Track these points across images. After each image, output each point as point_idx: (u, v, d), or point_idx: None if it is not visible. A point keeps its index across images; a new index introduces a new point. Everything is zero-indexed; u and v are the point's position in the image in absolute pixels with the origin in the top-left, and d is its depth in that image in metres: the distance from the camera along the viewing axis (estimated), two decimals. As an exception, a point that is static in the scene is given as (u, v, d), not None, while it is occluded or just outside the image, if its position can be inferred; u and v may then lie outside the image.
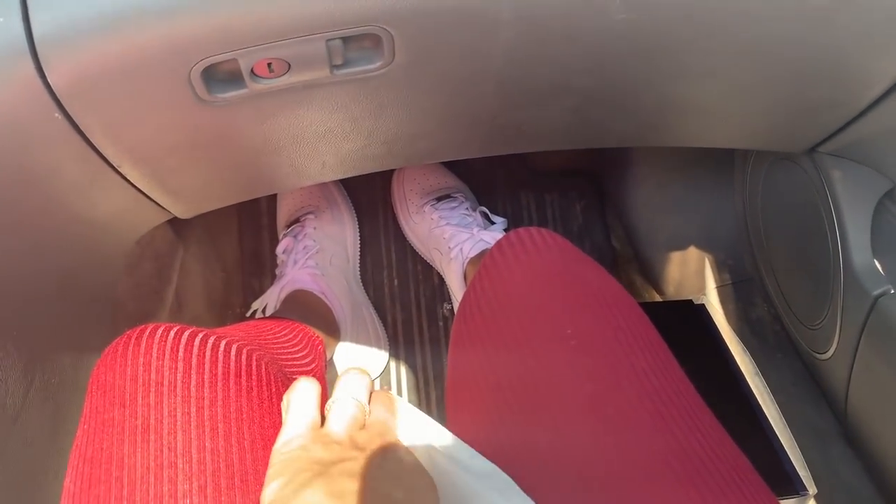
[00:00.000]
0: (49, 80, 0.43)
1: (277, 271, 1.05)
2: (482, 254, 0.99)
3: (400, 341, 1.12)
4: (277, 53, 0.47)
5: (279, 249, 1.05)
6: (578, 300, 0.50)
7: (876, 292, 0.65)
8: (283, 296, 0.97)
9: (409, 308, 1.14)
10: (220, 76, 0.49)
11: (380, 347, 1.09)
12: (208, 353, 0.48)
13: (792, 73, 0.56)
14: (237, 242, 1.15)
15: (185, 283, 0.95)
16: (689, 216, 1.01)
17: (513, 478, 0.45)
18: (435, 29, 0.48)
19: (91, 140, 0.49)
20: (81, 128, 0.47)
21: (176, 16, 0.43)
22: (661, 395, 0.45)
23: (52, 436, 0.59)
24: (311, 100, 0.53)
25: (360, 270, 1.14)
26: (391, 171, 1.16)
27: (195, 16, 0.43)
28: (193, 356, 0.47)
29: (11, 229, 0.52)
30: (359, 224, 1.15)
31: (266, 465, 0.45)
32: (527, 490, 0.45)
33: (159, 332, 0.48)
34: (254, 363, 0.51)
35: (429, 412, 1.06)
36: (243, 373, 0.49)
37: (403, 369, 1.11)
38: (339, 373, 1.03)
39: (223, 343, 0.50)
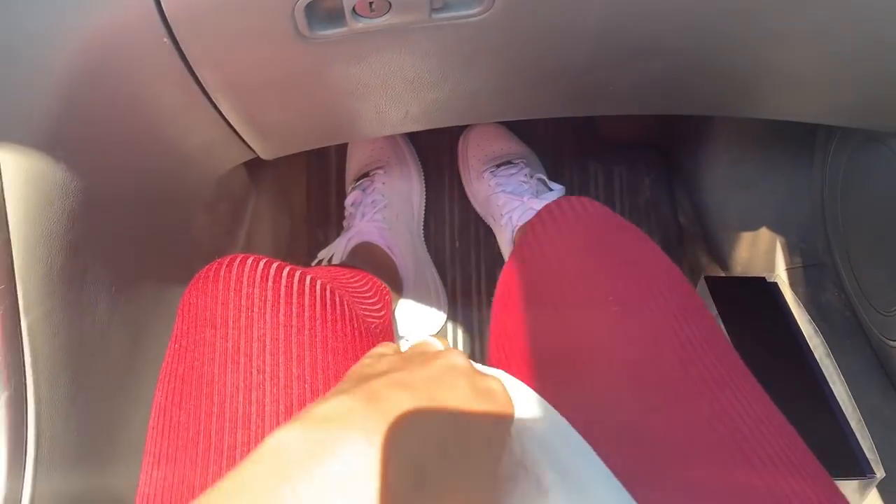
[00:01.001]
0: (163, 4, 0.44)
1: (345, 223, 1.06)
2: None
3: (458, 302, 1.13)
4: (381, -9, 0.47)
5: (347, 202, 1.06)
6: (620, 267, 0.50)
7: (963, 279, 0.64)
8: (349, 247, 0.99)
9: (468, 270, 1.15)
10: (322, 13, 0.49)
11: (439, 306, 1.10)
12: (296, 284, 0.49)
13: (892, 44, 0.54)
14: (305, 194, 1.17)
15: (256, 228, 0.97)
16: (764, 196, 0.99)
17: None
18: (538, -25, 0.48)
19: (193, 67, 0.50)
20: (186, 54, 0.48)
21: (288, -54, 0.43)
22: (704, 361, 0.45)
23: (130, 359, 0.61)
24: (405, 43, 0.54)
25: (423, 230, 1.15)
26: (459, 135, 1.16)
27: (306, -53, 0.43)
28: (282, 286, 0.48)
29: (112, 148, 0.54)
30: (425, 184, 1.16)
31: None
32: None
33: (249, 261, 0.49)
34: (337, 299, 0.52)
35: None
36: (328, 306, 0.50)
37: (460, 330, 1.11)
38: (398, 324, 1.04)
39: (308, 277, 0.51)
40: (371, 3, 0.49)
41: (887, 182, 0.75)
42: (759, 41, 0.56)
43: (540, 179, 1.06)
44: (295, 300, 0.48)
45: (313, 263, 1.03)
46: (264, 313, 0.47)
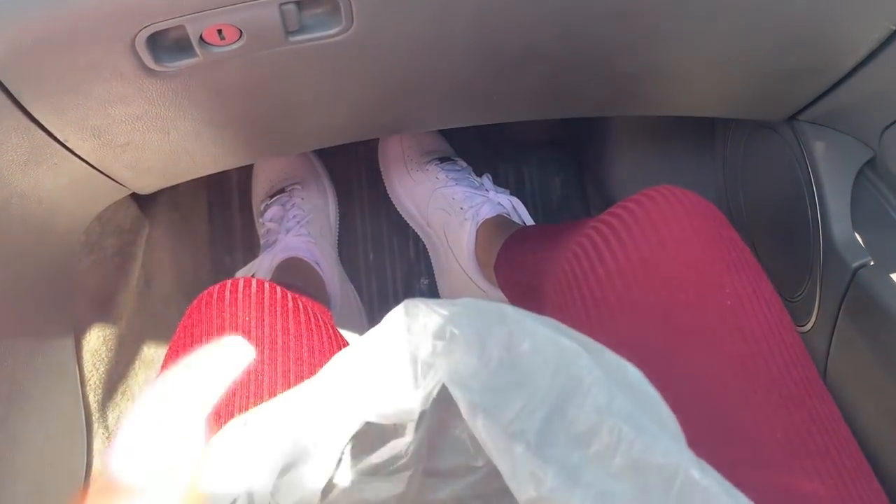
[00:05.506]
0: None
1: (263, 241, 1.02)
2: (498, 217, 0.97)
3: (376, 316, 1.10)
4: (227, 19, 0.44)
5: (266, 217, 1.01)
6: (736, 263, 0.49)
7: (856, 264, 0.64)
8: (276, 263, 0.94)
9: (384, 282, 1.12)
10: (167, 44, 0.46)
11: (361, 324, 1.07)
12: (290, 302, 0.54)
13: (770, 39, 0.54)
14: (207, 218, 1.12)
15: (153, 259, 0.92)
16: (669, 187, 0.99)
17: None
18: (394, -8, 0.45)
19: (31, 112, 0.46)
20: (19, 99, 0.45)
21: (114, -22, 0.40)
22: (807, 371, 0.46)
23: (2, 421, 0.57)
24: (267, 68, 0.51)
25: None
26: (365, 149, 1.13)
27: (136, -22, 0.40)
28: (278, 303, 0.53)
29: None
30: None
31: None
32: None
33: (242, 283, 0.53)
34: (319, 318, 0.56)
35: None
36: (312, 323, 0.54)
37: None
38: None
39: (290, 296, 0.55)
40: (220, 31, 0.46)
41: (780, 167, 0.75)
42: (637, 42, 0.55)
43: (488, 177, 1.04)
44: (291, 315, 0.53)
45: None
46: (262, 323, 0.51)
